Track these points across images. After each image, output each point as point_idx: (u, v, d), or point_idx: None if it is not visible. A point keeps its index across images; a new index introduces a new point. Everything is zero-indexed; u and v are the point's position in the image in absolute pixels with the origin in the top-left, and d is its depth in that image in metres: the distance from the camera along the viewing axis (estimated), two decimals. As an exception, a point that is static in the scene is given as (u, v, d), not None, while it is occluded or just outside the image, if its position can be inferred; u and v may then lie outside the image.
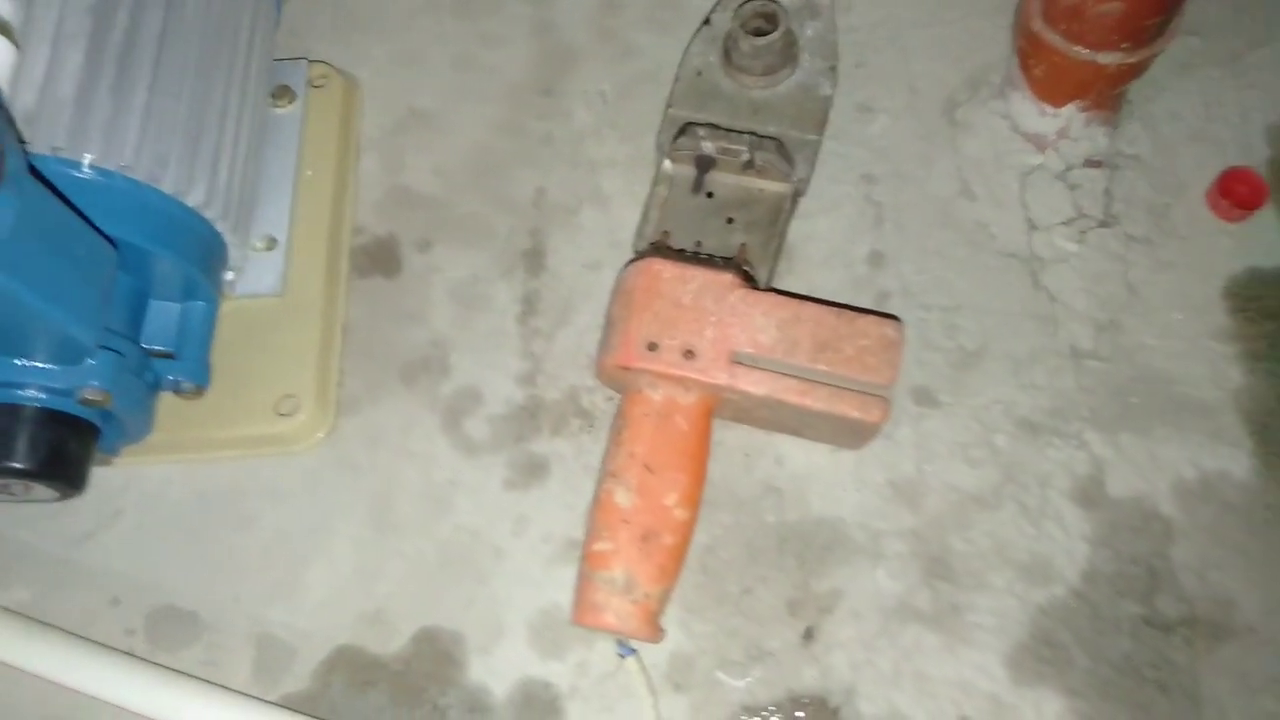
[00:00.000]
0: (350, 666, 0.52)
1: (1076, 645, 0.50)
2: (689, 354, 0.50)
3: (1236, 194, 0.58)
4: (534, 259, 0.61)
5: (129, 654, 0.52)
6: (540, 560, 0.53)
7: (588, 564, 0.49)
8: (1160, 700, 0.49)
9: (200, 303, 0.52)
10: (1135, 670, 0.49)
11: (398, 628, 0.53)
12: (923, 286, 0.58)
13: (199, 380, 0.51)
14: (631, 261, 0.54)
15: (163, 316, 0.52)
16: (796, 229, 0.59)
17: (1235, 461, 0.53)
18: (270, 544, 0.54)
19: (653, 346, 0.51)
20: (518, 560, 0.54)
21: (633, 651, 0.49)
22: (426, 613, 0.53)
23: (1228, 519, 0.52)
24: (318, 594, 0.53)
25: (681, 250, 0.56)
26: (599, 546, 0.49)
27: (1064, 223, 0.59)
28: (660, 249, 0.56)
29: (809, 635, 0.51)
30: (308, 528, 0.55)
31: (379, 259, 0.61)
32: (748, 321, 0.51)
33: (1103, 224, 0.59)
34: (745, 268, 0.54)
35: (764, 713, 0.49)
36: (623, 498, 0.50)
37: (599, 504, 0.50)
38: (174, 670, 0.51)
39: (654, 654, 0.51)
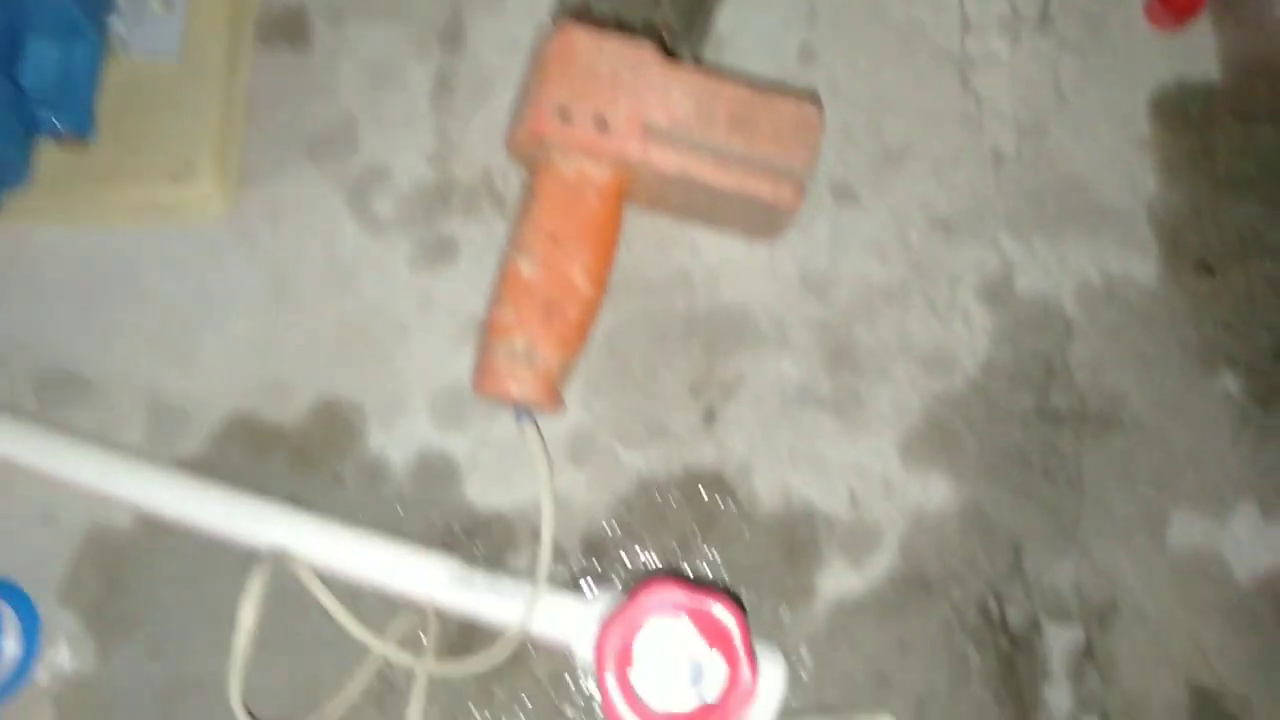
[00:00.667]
0: (247, 433, 0.51)
1: (969, 433, 0.51)
2: (602, 124, 0.49)
3: (1175, 1, 0.57)
4: (452, 36, 0.58)
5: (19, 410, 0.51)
6: (445, 338, 0.53)
7: (489, 333, 0.49)
8: (1044, 486, 0.50)
9: (82, 45, 0.49)
10: (1023, 458, 0.51)
11: (296, 397, 0.52)
12: (851, 83, 0.57)
13: (81, 128, 0.49)
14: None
15: (43, 58, 0.49)
16: (728, 19, 0.57)
17: (1142, 267, 0.54)
18: (165, 313, 0.53)
19: (564, 115, 0.49)
20: (422, 337, 0.53)
21: (529, 417, 0.49)
22: (326, 384, 0.52)
23: (1127, 321, 0.53)
24: (213, 362, 0.52)
25: (601, 21, 0.53)
26: (501, 315, 0.48)
27: (999, 22, 0.58)
28: (579, 16, 0.53)
29: (709, 416, 0.52)
30: (205, 299, 0.53)
31: (288, 30, 0.58)
32: (664, 95, 0.49)
33: (1038, 26, 0.58)
34: (666, 41, 0.52)
35: (660, 487, 0.50)
36: (527, 269, 0.49)
37: (503, 275, 0.49)
38: (69, 428, 0.50)
39: (554, 429, 0.51)
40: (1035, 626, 0.48)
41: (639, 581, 0.42)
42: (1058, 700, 0.48)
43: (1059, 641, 0.48)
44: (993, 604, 0.49)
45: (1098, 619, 0.49)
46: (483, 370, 0.49)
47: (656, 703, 0.40)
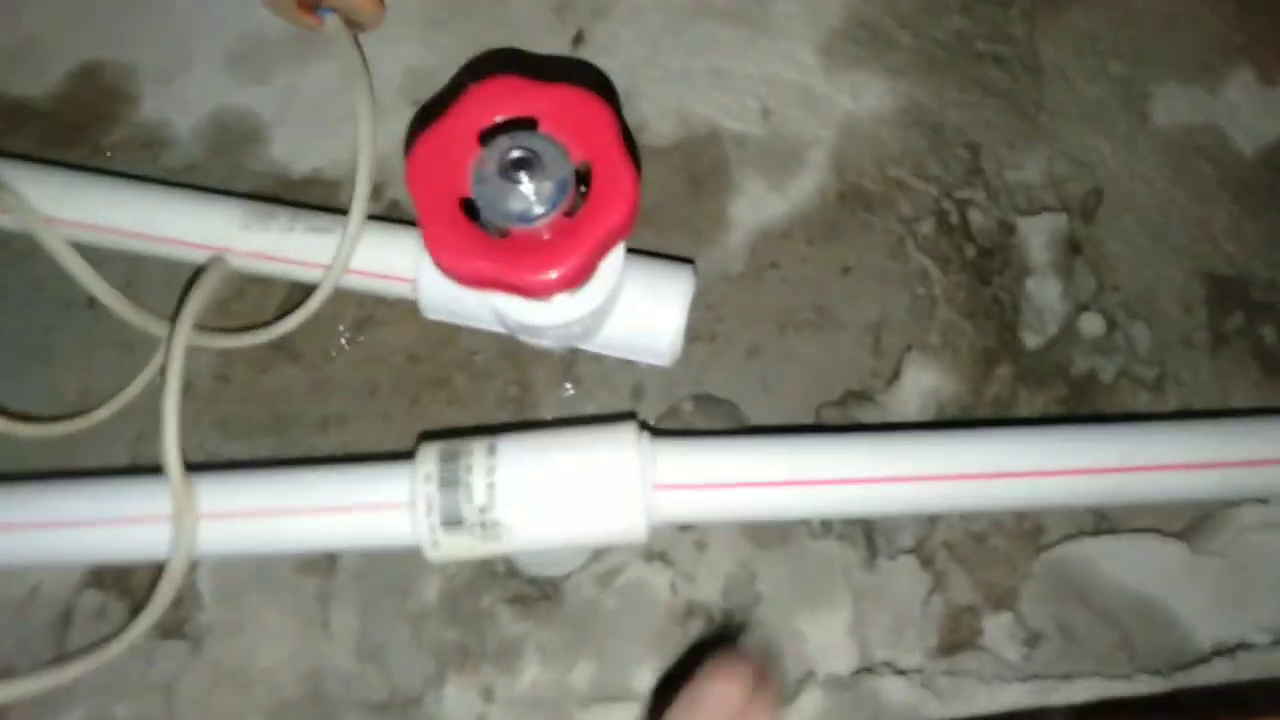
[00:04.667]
0: (-14, 110, 0.40)
1: (900, 27, 0.41)
2: None
3: None
4: None
5: None
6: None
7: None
8: (997, 74, 0.41)
9: None
10: (968, 46, 0.41)
11: (47, 66, 0.41)
12: None
13: None
14: None
15: None
16: None
17: None
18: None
19: None
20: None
21: (331, 12, 0.38)
22: (87, 45, 0.41)
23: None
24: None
25: None
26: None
27: None
28: None
29: (580, 39, 0.41)
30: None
31: None
32: None
33: None
34: None
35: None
36: None
37: None
38: None
39: (387, 69, 0.40)
40: (1006, 227, 0.39)
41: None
42: (1046, 299, 0.38)
43: (1038, 237, 0.39)
44: (951, 211, 0.39)
45: (1080, 212, 0.39)
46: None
47: (499, 226, 0.28)
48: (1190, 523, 0.35)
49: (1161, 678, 0.34)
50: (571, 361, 0.37)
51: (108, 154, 0.39)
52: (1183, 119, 0.40)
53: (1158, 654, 0.34)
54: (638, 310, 0.34)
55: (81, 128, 0.40)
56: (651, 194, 0.39)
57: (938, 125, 0.40)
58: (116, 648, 0.32)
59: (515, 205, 0.27)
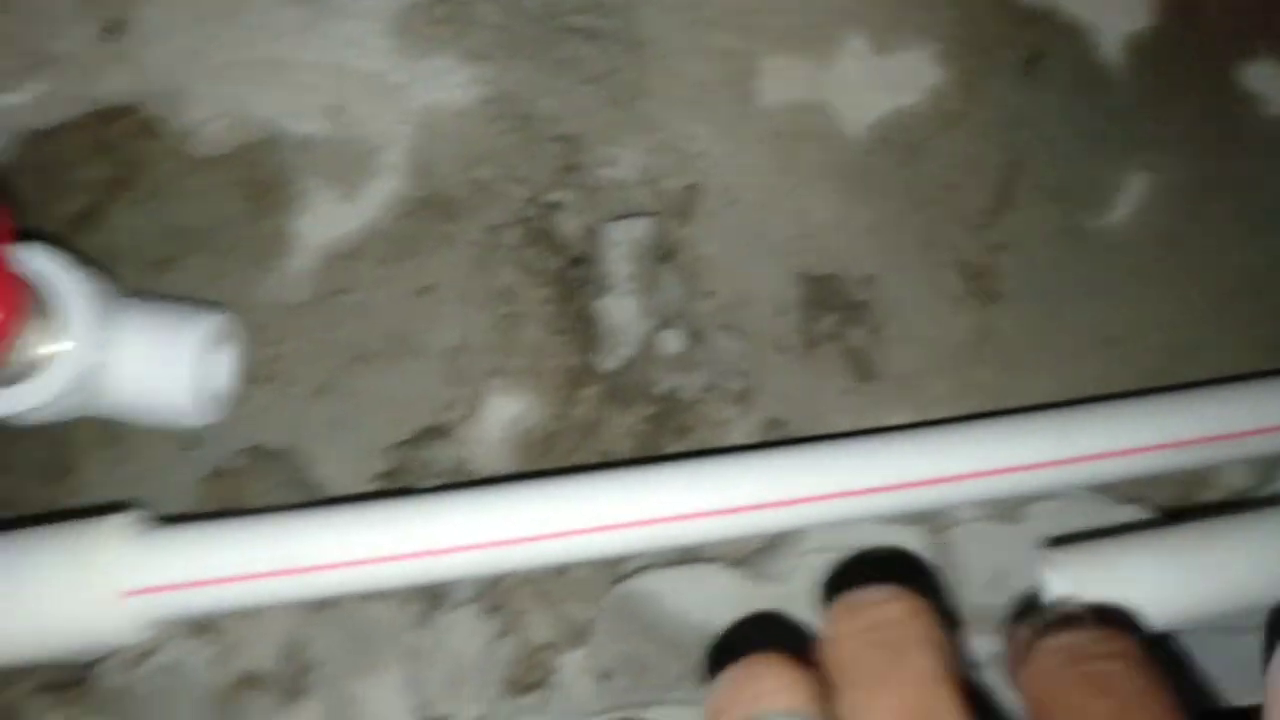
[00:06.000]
0: None
1: (483, 0, 0.37)
2: None
3: None
4: None
5: None
6: None
7: None
8: (592, 53, 0.37)
9: None
10: (559, 20, 0.37)
11: None
12: None
13: None
14: None
15: None
16: None
17: None
18: None
19: None
20: None
21: None
22: None
23: None
24: None
25: None
26: None
27: None
28: None
29: (114, 28, 0.36)
30: None
31: None
32: None
33: None
34: None
35: (57, 137, 0.34)
36: None
37: None
38: None
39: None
40: (594, 234, 0.36)
41: None
42: (622, 318, 0.36)
43: (620, 248, 0.36)
44: (539, 216, 0.36)
45: (676, 212, 0.37)
46: None
47: None
48: (756, 548, 0.35)
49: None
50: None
51: None
52: (792, 97, 0.38)
53: (727, 677, 0.35)
54: (145, 371, 0.30)
55: None
56: (204, 213, 0.35)
57: (528, 116, 0.36)
58: None
59: None
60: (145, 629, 0.29)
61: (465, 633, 0.33)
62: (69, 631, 0.27)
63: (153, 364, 0.30)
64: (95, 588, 0.28)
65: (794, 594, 0.34)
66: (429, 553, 0.29)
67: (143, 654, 0.32)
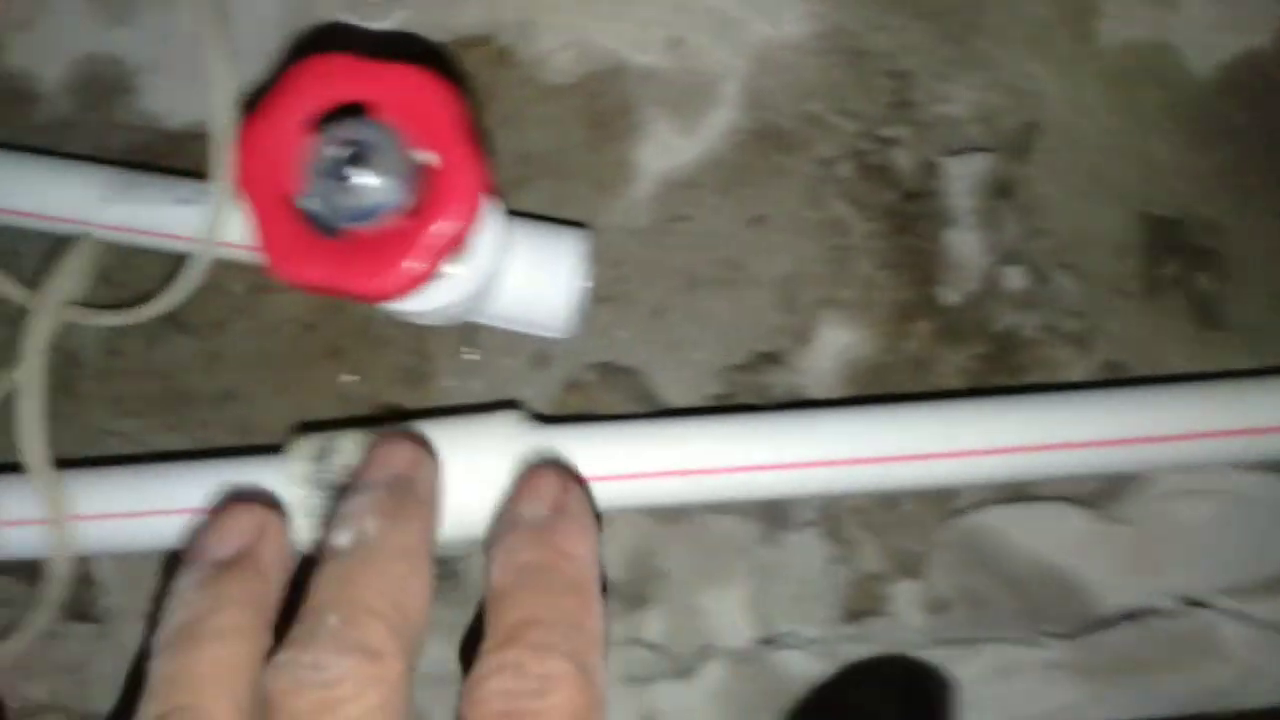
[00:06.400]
0: None
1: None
2: None
3: None
4: None
5: None
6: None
7: None
8: (929, -8, 0.37)
9: None
10: (898, -42, 0.37)
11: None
12: None
13: None
14: None
15: None
16: None
17: None
18: None
19: None
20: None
21: None
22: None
23: None
24: None
25: None
26: None
27: None
28: None
29: (470, -37, 0.38)
30: None
31: None
32: None
33: None
34: None
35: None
36: None
37: None
38: None
39: (262, 6, 0.37)
40: (929, 169, 0.36)
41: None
42: (965, 252, 0.36)
43: (962, 183, 0.36)
44: (872, 151, 0.36)
45: (1013, 150, 0.36)
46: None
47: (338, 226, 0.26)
48: (1102, 489, 0.34)
49: (1067, 641, 0.34)
50: (472, 328, 0.36)
51: (-32, 114, 0.37)
52: (1134, 36, 0.37)
53: (1064, 620, 0.34)
54: (527, 284, 0.32)
55: (-65, 88, 0.37)
56: (551, 138, 0.36)
57: (862, 53, 0.37)
58: (14, 646, 0.32)
59: (348, 203, 0.25)
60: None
61: (808, 554, 0.34)
62: (477, 516, 0.29)
63: (538, 274, 0.31)
64: (503, 477, 0.29)
65: (1148, 538, 0.33)
66: (833, 463, 0.30)
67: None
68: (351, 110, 0.26)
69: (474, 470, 0.29)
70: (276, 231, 0.25)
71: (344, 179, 0.25)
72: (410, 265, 0.25)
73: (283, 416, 0.36)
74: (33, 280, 0.35)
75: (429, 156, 0.26)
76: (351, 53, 0.26)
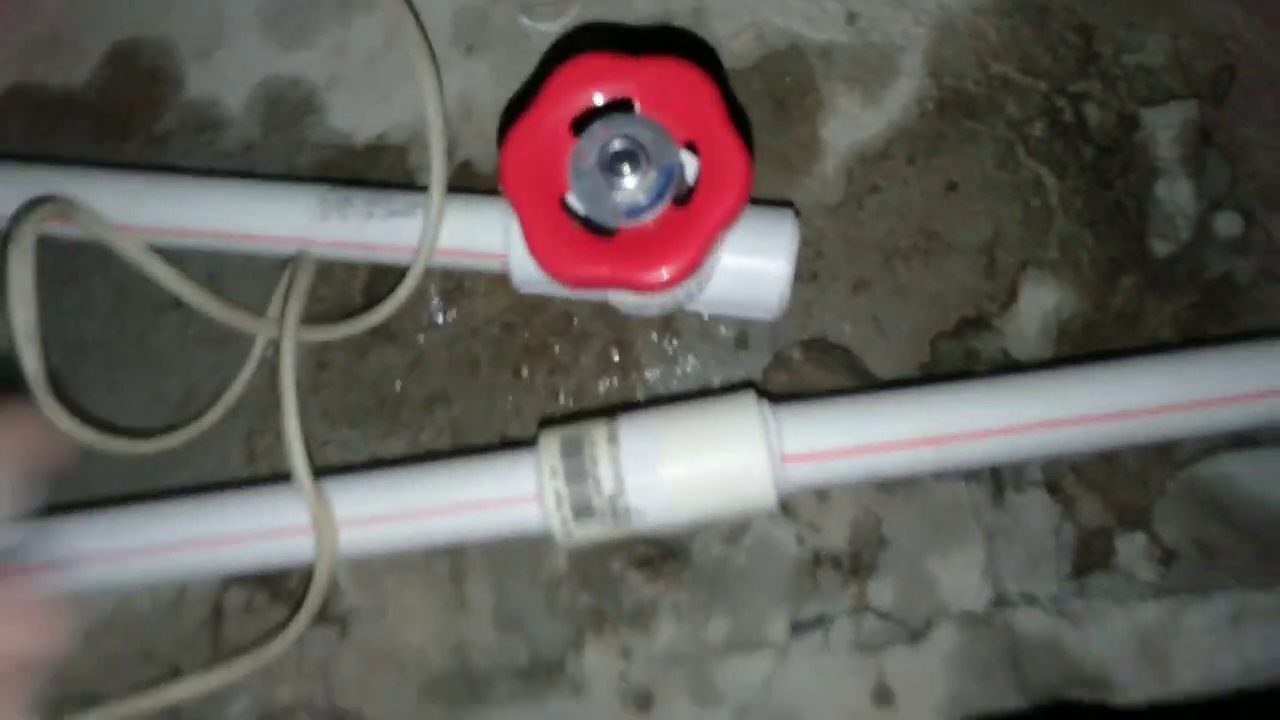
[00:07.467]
0: (30, 108, 0.38)
1: None
2: None
3: None
4: None
5: None
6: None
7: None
8: None
9: None
10: (1074, -92, 0.37)
11: (80, 52, 0.39)
12: None
13: None
14: None
15: None
16: None
17: None
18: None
19: None
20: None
21: None
22: (116, 25, 0.39)
23: None
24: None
25: None
26: None
27: None
28: None
29: (638, -48, 0.38)
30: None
31: None
32: None
33: None
34: None
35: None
36: None
37: None
38: None
39: (434, 16, 0.37)
40: (1127, 121, 0.36)
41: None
42: (1176, 201, 0.35)
43: (1163, 131, 0.36)
44: (1064, 108, 0.36)
45: (1210, 95, 0.36)
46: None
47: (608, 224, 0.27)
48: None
49: (1305, 586, 0.34)
50: (669, 316, 0.36)
51: (166, 142, 0.37)
52: (1325, -32, 0.36)
53: (1301, 565, 0.34)
54: (741, 268, 0.32)
55: (130, 116, 0.38)
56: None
57: (1044, 8, 0.36)
58: (276, 648, 0.33)
59: (619, 201, 0.25)
60: (787, 494, 0.30)
61: (1034, 514, 0.34)
62: (726, 497, 0.29)
63: (751, 258, 0.32)
64: (755, 456, 0.29)
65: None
66: (1053, 424, 0.30)
67: (735, 530, 0.34)
68: (613, 107, 0.26)
69: (724, 453, 0.29)
70: (544, 232, 0.25)
71: (617, 176, 0.25)
72: (688, 254, 0.25)
73: (495, 419, 0.36)
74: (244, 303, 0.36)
75: (693, 146, 0.26)
76: (607, 51, 0.26)
